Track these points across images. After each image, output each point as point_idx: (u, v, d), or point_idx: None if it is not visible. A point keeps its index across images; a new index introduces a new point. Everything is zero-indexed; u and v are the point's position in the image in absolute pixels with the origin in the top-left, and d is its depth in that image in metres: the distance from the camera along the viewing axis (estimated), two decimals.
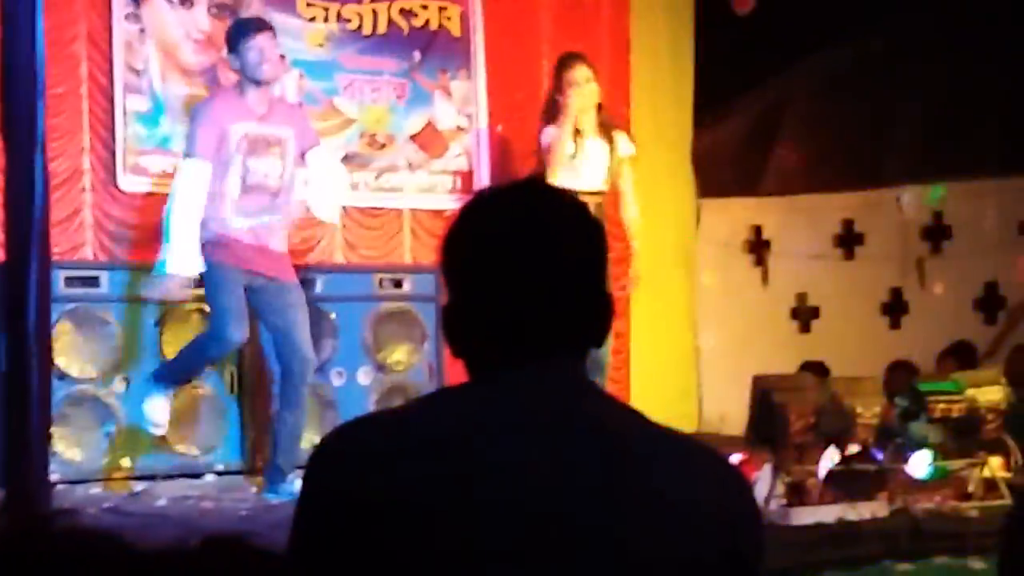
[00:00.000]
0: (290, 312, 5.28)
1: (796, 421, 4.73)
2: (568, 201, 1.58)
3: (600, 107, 6.13)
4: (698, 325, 7.90)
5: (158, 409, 5.29)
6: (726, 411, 7.70)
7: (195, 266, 5.10)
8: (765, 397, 4.88)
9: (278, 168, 5.29)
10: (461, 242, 1.55)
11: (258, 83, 5.24)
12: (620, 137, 6.22)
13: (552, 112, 6.02)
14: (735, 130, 8.14)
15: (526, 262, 1.51)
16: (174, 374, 5.38)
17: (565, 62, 6.09)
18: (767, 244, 7.98)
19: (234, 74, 5.38)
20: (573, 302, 1.52)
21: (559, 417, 1.48)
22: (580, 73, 5.99)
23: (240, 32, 5.32)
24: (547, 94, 6.21)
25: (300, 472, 4.87)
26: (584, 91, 5.97)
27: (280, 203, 5.32)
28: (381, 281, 6.35)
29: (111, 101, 6.04)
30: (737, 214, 7.98)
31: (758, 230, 7.95)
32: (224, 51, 5.41)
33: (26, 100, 2.83)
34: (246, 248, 5.21)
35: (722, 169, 7.99)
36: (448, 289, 1.56)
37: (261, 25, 5.44)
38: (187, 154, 5.19)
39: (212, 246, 5.14)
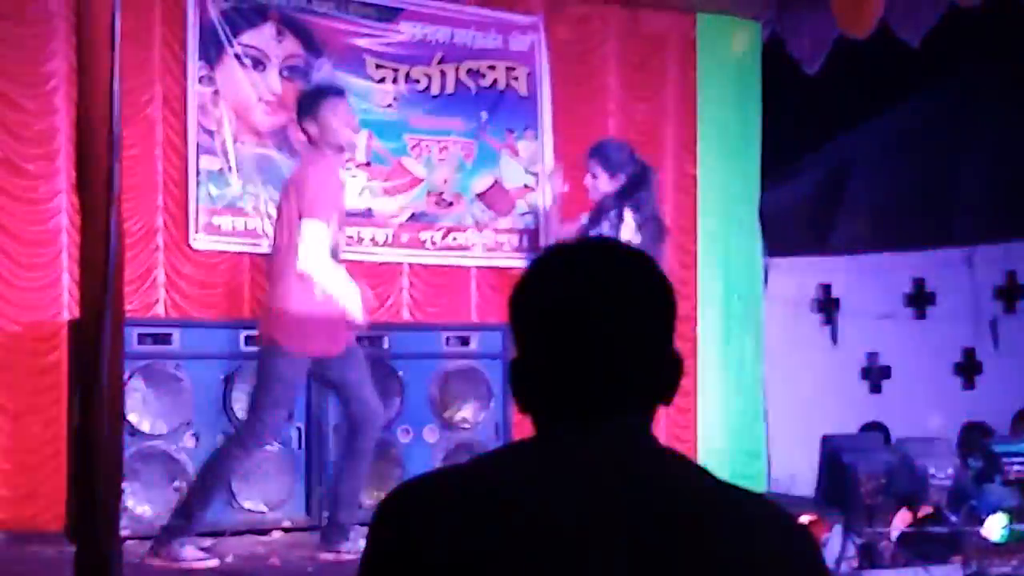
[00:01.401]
0: (356, 368, 5.29)
1: (867, 482, 4.66)
2: (636, 259, 1.58)
3: None
4: (766, 384, 7.83)
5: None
6: (795, 471, 7.60)
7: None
8: (835, 458, 4.82)
9: (343, 236, 5.37)
10: (529, 298, 1.56)
11: (337, 149, 5.25)
12: None
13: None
14: (803, 188, 8.10)
15: (593, 320, 1.51)
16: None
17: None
18: (836, 303, 7.90)
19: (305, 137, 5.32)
20: (640, 361, 1.52)
21: (620, 477, 1.47)
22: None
23: (318, 98, 5.28)
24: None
25: (362, 529, 4.93)
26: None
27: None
28: (448, 339, 6.36)
29: (184, 161, 6.16)
30: (805, 272, 7.91)
31: (827, 288, 7.87)
32: (298, 115, 5.34)
33: (103, 161, 2.89)
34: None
35: (790, 227, 7.95)
36: (515, 344, 1.57)
37: (339, 91, 5.47)
38: (308, 216, 5.02)
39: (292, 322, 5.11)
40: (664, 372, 1.55)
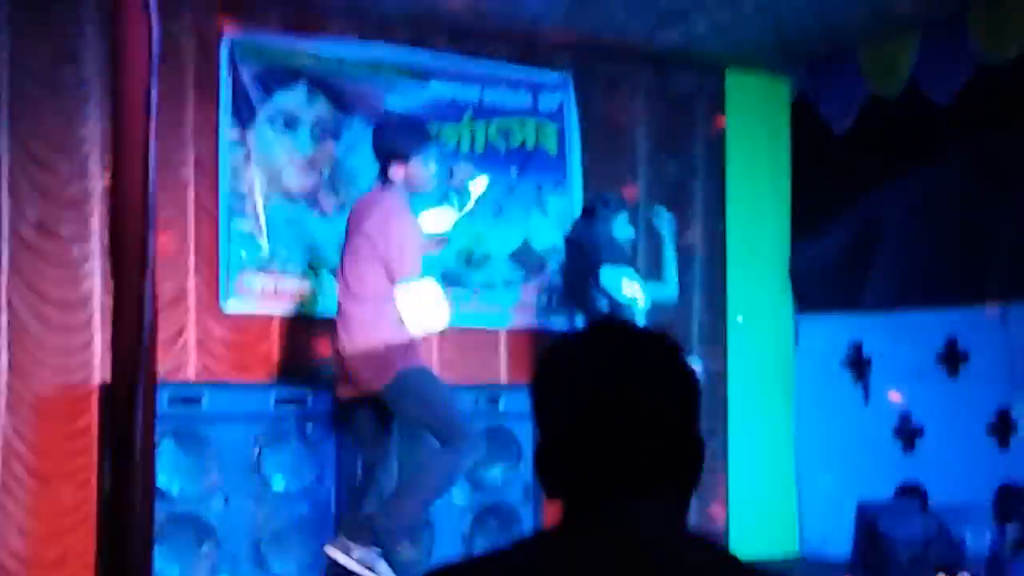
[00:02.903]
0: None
1: (903, 551, 4.59)
2: (658, 343, 1.58)
3: None
4: (798, 443, 7.76)
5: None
6: (828, 532, 7.51)
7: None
8: (870, 526, 4.75)
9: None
10: (551, 383, 1.56)
11: (414, 195, 5.08)
12: None
13: None
14: (833, 246, 8.06)
15: (615, 405, 1.51)
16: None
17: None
18: (868, 361, 7.84)
19: (399, 180, 5.03)
20: (663, 445, 1.52)
21: (646, 564, 1.46)
22: None
23: (412, 143, 5.02)
24: None
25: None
26: None
27: None
28: (477, 399, 6.33)
29: (216, 223, 6.18)
30: (836, 330, 7.86)
31: (858, 346, 7.82)
32: (382, 151, 5.05)
33: (137, 229, 2.89)
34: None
35: (820, 285, 7.91)
36: (538, 429, 1.56)
37: (430, 136, 5.28)
38: (406, 275, 4.90)
39: (415, 349, 5.06)
40: (689, 454, 1.54)
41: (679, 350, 1.58)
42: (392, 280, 4.89)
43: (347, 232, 5.10)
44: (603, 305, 5.95)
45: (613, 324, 1.66)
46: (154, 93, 3.15)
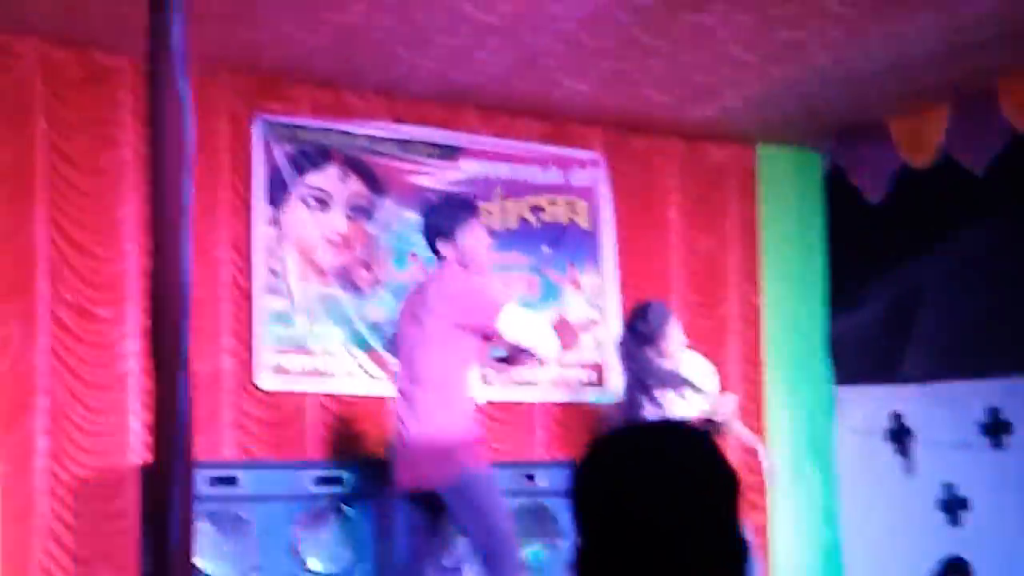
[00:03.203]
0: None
1: None
2: (698, 443, 1.56)
3: None
4: (841, 517, 7.65)
5: None
6: None
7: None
8: None
9: None
10: (590, 486, 1.54)
11: (469, 269, 5.00)
12: None
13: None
14: (871, 316, 8.00)
15: (658, 509, 1.49)
16: None
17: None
18: (909, 432, 7.74)
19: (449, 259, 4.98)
20: (707, 549, 1.49)
21: None
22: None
23: (454, 220, 4.99)
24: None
25: None
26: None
27: None
28: (514, 476, 6.28)
29: (250, 302, 6.21)
30: (877, 401, 7.78)
31: (899, 417, 7.73)
32: (429, 233, 5.04)
33: (173, 315, 2.92)
34: None
35: (859, 356, 7.84)
36: (577, 532, 1.54)
37: (473, 209, 5.20)
38: (500, 311, 4.85)
39: (480, 445, 4.96)
40: (733, 556, 1.52)
41: (719, 450, 1.56)
42: (487, 328, 4.83)
43: (407, 316, 5.01)
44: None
45: (653, 425, 1.64)
46: (189, 185, 3.19)
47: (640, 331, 5.82)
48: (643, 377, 5.78)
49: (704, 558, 1.49)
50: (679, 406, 5.81)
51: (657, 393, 5.76)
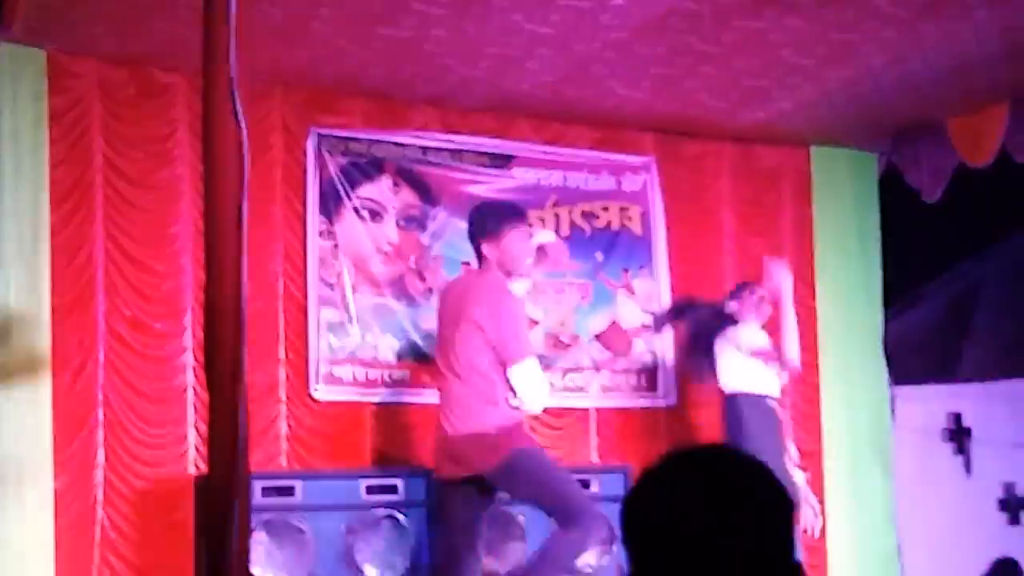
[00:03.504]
0: None
1: None
2: (752, 469, 1.55)
3: None
4: (899, 518, 7.58)
5: None
6: None
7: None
8: None
9: None
10: (644, 513, 1.53)
11: (509, 274, 5.04)
12: None
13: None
14: (927, 316, 7.93)
15: (710, 535, 1.48)
16: None
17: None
18: (968, 431, 7.66)
19: (490, 262, 5.05)
20: (760, 573, 1.48)
21: None
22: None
23: (503, 220, 5.06)
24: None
25: None
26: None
27: None
28: None
29: (305, 314, 6.25)
30: (934, 401, 7.70)
31: (957, 417, 7.65)
32: (475, 234, 5.12)
33: (229, 336, 2.93)
34: None
35: (916, 356, 7.77)
36: (629, 559, 1.53)
37: (522, 213, 5.29)
38: (521, 357, 4.91)
39: (522, 429, 5.09)
40: None
41: (771, 474, 1.55)
42: (505, 361, 4.89)
43: (445, 314, 5.12)
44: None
45: (705, 450, 1.63)
46: (244, 199, 3.22)
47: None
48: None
49: None
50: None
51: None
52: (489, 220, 5.07)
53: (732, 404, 5.99)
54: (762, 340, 6.11)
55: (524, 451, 4.94)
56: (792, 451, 5.99)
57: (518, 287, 5.11)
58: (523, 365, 4.89)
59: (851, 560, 7.34)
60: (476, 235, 5.07)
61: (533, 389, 4.92)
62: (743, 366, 6.06)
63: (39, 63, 5.70)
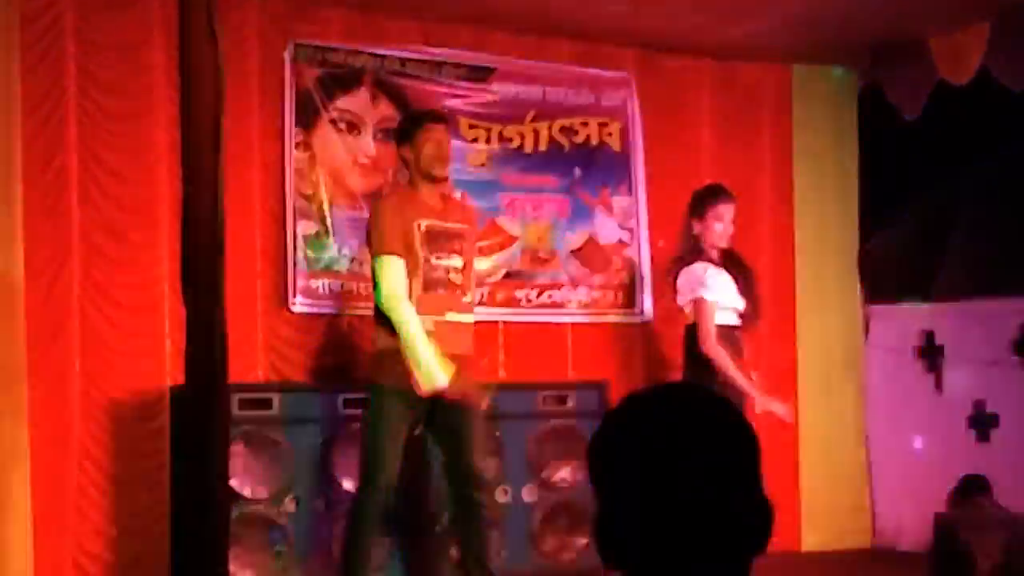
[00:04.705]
0: (464, 429, 5.11)
1: (983, 561, 4.49)
2: (718, 406, 1.56)
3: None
4: (869, 435, 7.68)
5: None
6: (901, 524, 7.43)
7: (444, 375, 4.93)
8: (949, 535, 4.66)
9: (459, 263, 5.13)
10: (610, 452, 1.54)
11: (433, 179, 5.13)
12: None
13: (694, 246, 5.86)
14: (903, 235, 7.95)
15: (677, 472, 1.49)
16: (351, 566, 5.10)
17: (709, 195, 5.95)
18: (940, 350, 7.73)
19: (404, 170, 5.33)
20: (732, 511, 1.49)
21: None
22: (727, 209, 5.88)
23: (416, 123, 5.19)
24: (683, 223, 5.98)
25: None
26: (728, 229, 5.88)
27: (465, 301, 5.17)
28: (544, 398, 6.32)
29: (282, 226, 6.22)
30: (907, 320, 7.76)
31: (930, 336, 7.71)
32: (396, 142, 5.31)
33: (207, 248, 2.93)
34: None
35: (890, 274, 7.81)
36: (597, 498, 1.54)
37: (438, 117, 5.34)
38: (379, 252, 5.01)
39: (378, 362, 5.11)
40: (757, 518, 1.52)
41: (739, 412, 1.57)
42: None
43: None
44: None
45: (672, 387, 1.64)
46: (221, 111, 3.19)
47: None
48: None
49: (729, 522, 1.49)
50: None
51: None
52: (405, 126, 5.27)
53: (691, 333, 5.85)
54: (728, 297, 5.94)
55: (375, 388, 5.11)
56: (753, 377, 5.90)
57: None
58: (379, 260, 5.00)
59: (823, 477, 7.43)
60: (397, 144, 5.25)
61: (387, 284, 4.94)
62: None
63: None
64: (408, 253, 4.98)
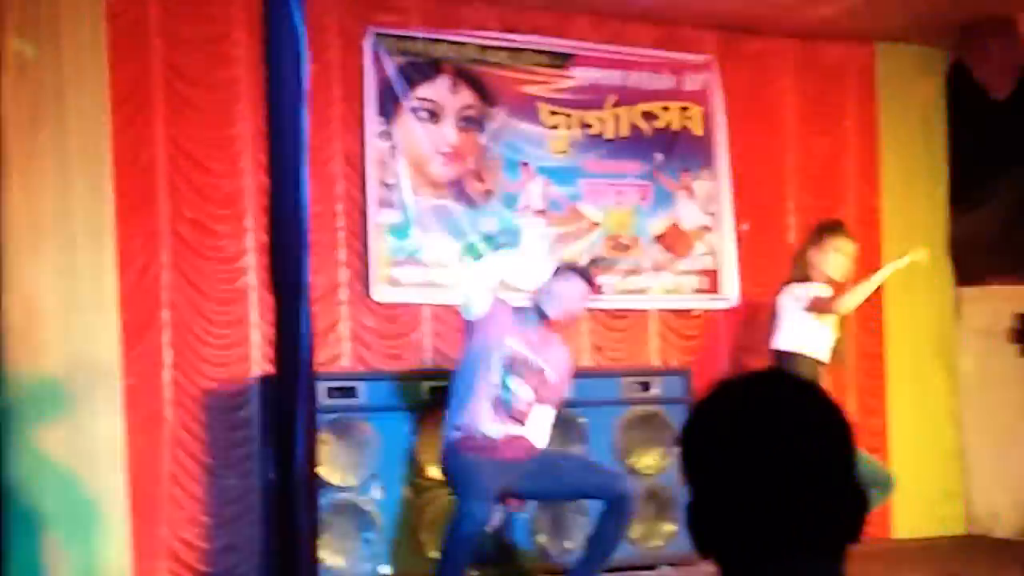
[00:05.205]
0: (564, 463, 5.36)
1: None
2: (810, 394, 1.53)
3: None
4: (962, 419, 7.54)
5: None
6: (997, 510, 7.30)
7: (485, 303, 5.19)
8: None
9: (530, 396, 5.23)
10: (704, 441, 1.52)
11: (544, 317, 5.29)
12: None
13: (803, 274, 5.94)
14: (993, 215, 7.80)
15: (771, 460, 1.47)
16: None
17: (832, 228, 6.05)
18: None
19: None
20: (822, 499, 1.47)
21: None
22: (847, 244, 5.97)
23: (556, 272, 5.39)
24: (799, 251, 6.12)
25: None
26: (846, 262, 5.96)
27: (527, 427, 5.25)
28: (629, 384, 6.29)
29: (364, 215, 6.26)
30: (999, 301, 7.62)
31: (1022, 317, 7.56)
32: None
33: (292, 240, 2.96)
34: (500, 443, 5.15)
35: (981, 256, 7.66)
36: (690, 487, 1.53)
37: (584, 274, 5.47)
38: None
39: (464, 440, 5.15)
40: (852, 509, 1.50)
41: (829, 398, 1.54)
42: None
43: None
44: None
45: (764, 375, 1.61)
46: (304, 102, 3.21)
47: None
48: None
49: (824, 513, 1.47)
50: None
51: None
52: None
53: (779, 360, 5.87)
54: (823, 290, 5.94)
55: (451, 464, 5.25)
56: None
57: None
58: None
59: (915, 461, 7.31)
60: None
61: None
62: (798, 323, 5.92)
63: None
64: (487, 361, 5.26)
